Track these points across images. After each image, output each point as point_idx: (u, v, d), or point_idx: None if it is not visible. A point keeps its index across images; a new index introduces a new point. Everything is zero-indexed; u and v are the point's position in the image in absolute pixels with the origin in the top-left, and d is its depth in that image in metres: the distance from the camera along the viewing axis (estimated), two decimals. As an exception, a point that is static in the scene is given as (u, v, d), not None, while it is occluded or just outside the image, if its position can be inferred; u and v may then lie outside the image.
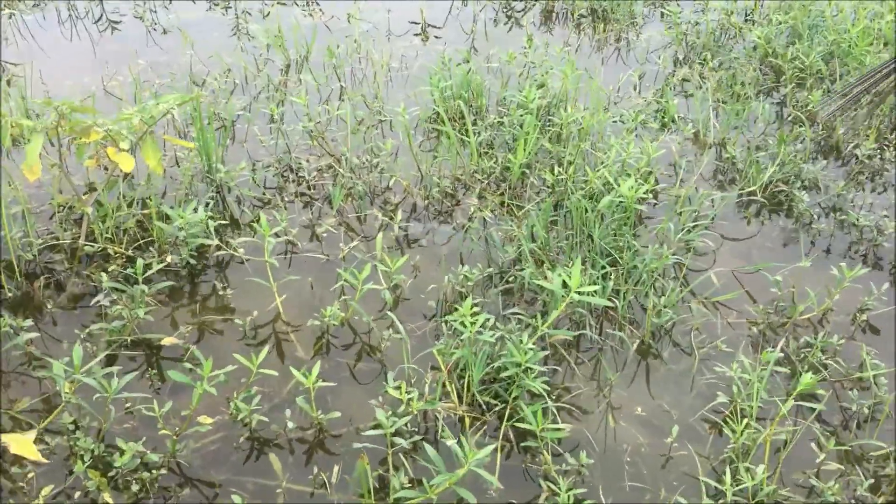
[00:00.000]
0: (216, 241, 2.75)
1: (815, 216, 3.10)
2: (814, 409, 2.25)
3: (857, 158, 3.44)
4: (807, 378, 2.09)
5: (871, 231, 3.01)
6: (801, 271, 2.81)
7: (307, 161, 3.28)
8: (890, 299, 2.71)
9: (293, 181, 3.19)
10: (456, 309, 2.60)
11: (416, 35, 4.44)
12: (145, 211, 2.89)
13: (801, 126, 3.59)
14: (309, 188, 3.15)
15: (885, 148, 3.46)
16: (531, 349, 2.26)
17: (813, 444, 2.20)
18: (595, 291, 2.46)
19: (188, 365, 2.35)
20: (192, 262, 2.74)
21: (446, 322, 2.51)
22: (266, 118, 3.56)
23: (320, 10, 4.62)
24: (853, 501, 2.08)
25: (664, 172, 3.32)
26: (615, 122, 3.52)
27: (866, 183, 3.31)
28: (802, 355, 2.47)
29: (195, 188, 3.09)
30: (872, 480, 2.11)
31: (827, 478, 2.12)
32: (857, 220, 3.01)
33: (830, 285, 2.69)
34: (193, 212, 2.68)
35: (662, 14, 4.75)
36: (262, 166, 3.25)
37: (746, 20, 4.61)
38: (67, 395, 2.11)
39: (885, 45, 3.97)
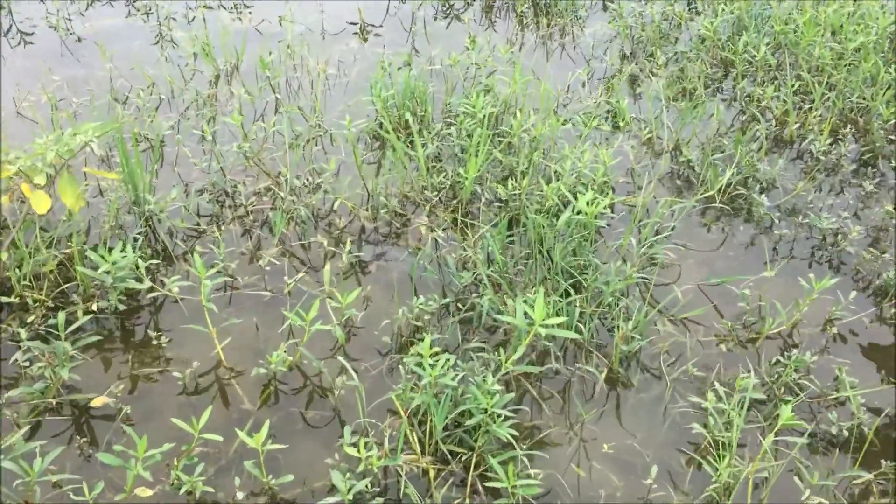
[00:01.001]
0: (148, 284, 2.53)
1: (776, 220, 3.00)
2: (796, 444, 2.15)
3: (812, 155, 3.36)
4: (787, 413, 1.99)
5: (834, 235, 2.94)
6: (767, 281, 2.72)
7: (244, 184, 3.05)
8: (858, 308, 2.63)
9: (230, 207, 2.97)
10: (412, 343, 2.45)
11: (354, 34, 4.21)
12: (67, 251, 2.64)
13: (755, 123, 3.50)
14: (247, 213, 2.94)
15: (840, 143, 3.39)
16: (496, 391, 2.11)
17: (796, 478, 2.10)
18: (560, 323, 2.32)
19: (118, 447, 2.13)
20: (122, 307, 2.51)
21: (403, 363, 2.34)
22: (197, 138, 3.32)
23: (249, 12, 4.36)
24: (840, 537, 2.00)
25: (620, 180, 3.19)
26: (567, 125, 3.37)
27: (824, 182, 3.24)
28: (776, 376, 2.37)
29: (122, 221, 2.84)
30: (858, 513, 2.03)
31: (812, 513, 2.03)
32: (820, 223, 2.92)
33: (798, 296, 2.60)
34: (121, 252, 2.45)
35: (606, 6, 4.61)
36: (195, 192, 3.01)
37: (690, 9, 4.51)
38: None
39: (833, 33, 3.90)
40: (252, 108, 3.53)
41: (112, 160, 3.16)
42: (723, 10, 4.11)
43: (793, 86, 3.56)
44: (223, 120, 3.32)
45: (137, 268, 2.53)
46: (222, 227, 2.87)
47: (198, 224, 2.87)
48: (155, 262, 2.68)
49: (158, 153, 3.17)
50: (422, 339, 2.30)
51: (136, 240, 2.71)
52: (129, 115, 3.39)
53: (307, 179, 3.09)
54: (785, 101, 3.52)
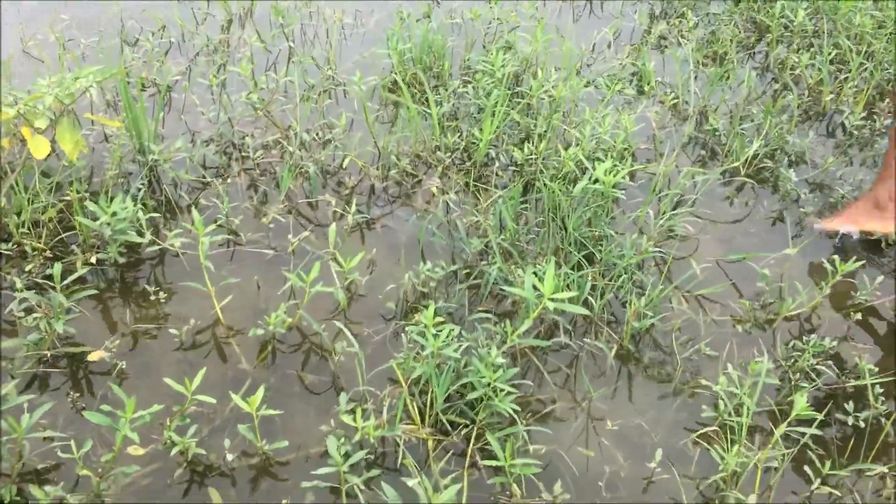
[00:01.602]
0: (148, 237, 2.46)
1: (803, 195, 2.88)
2: (808, 433, 2.06)
3: (846, 129, 3.22)
4: (802, 404, 1.90)
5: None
6: (789, 259, 2.61)
7: (252, 136, 2.96)
8: (883, 293, 2.52)
9: (236, 159, 2.88)
10: (417, 309, 2.37)
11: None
12: (67, 198, 2.57)
13: (787, 92, 3.35)
14: (254, 167, 2.85)
15: (876, 117, 3.24)
16: (500, 364, 2.03)
17: (807, 468, 2.03)
18: (570, 298, 2.23)
19: (106, 406, 2.07)
20: (122, 260, 2.45)
21: (405, 330, 2.27)
22: (205, 86, 3.21)
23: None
24: (849, 532, 1.93)
25: (642, 146, 3.07)
26: (589, 87, 3.24)
27: (855, 157, 3.10)
28: (793, 360, 2.28)
29: (126, 170, 2.76)
30: (870, 508, 1.95)
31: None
32: (847, 199, 2.80)
33: (821, 276, 2.50)
34: (122, 204, 2.37)
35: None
36: (202, 142, 2.92)
37: (726, -31, 4.31)
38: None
39: (875, 0, 3.71)
40: (264, 57, 3.42)
41: (119, 105, 3.07)
42: (760, -30, 3.92)
43: (829, 54, 3.40)
44: (232, 69, 3.20)
45: (138, 220, 2.46)
46: (228, 180, 2.79)
47: (203, 176, 2.79)
48: (157, 214, 2.61)
49: (165, 100, 3.08)
50: (427, 306, 2.23)
51: (139, 190, 2.64)
52: (137, 58, 3.29)
53: (317, 134, 3.00)
54: (820, 70, 3.36)
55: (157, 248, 2.49)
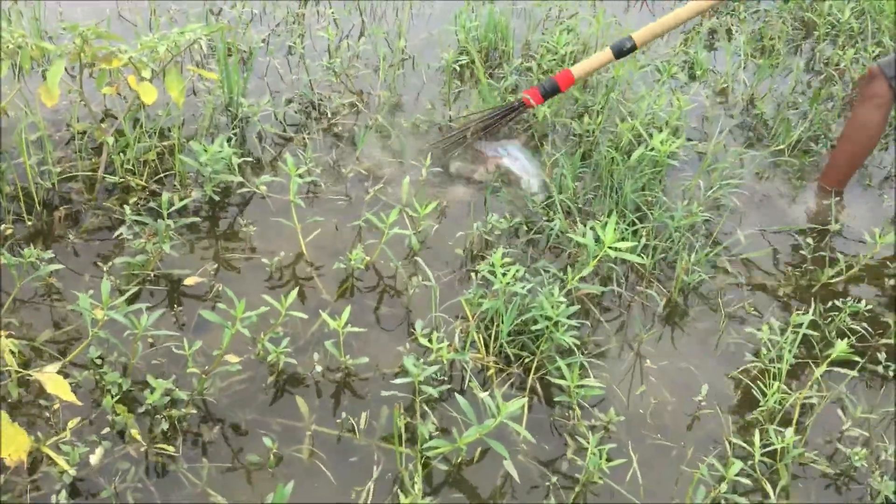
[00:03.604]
0: (240, 178, 2.69)
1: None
2: (846, 376, 2.25)
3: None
4: (842, 346, 2.09)
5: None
6: (831, 234, 2.79)
7: (329, 98, 3.19)
8: (917, 266, 2.70)
9: (315, 118, 3.12)
10: (483, 257, 2.58)
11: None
12: (167, 142, 2.82)
13: (832, 83, 3.53)
14: (332, 126, 3.08)
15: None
16: (561, 302, 2.24)
17: (839, 411, 2.21)
18: (629, 248, 2.43)
19: (219, 305, 2.31)
20: (216, 198, 2.68)
21: (475, 272, 2.48)
22: (286, 51, 3.46)
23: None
24: (878, 465, 2.10)
25: (693, 125, 3.26)
26: (644, 70, 3.43)
27: (891, 144, 3.27)
28: (830, 319, 2.47)
29: (216, 121, 3.01)
30: (897, 446, 2.13)
31: (853, 443, 2.14)
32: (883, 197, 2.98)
33: (860, 250, 2.68)
34: (220, 147, 2.61)
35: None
36: (285, 101, 3.16)
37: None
38: (94, 330, 2.07)
39: (920, 4, 3.88)
40: (338, 30, 3.66)
41: (207, 65, 3.32)
42: (810, -29, 4.10)
43: (873, 51, 3.57)
44: (316, 34, 3.44)
45: (231, 164, 2.69)
46: (309, 136, 3.02)
47: (285, 131, 3.03)
48: (247, 160, 2.84)
49: (251, 63, 3.32)
50: (493, 254, 2.43)
51: (228, 140, 2.87)
52: (224, 22, 3.53)
53: (392, 98, 3.22)
54: (864, 66, 3.53)
55: (246, 190, 2.73)
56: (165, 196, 2.43)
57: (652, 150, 2.76)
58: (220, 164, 2.62)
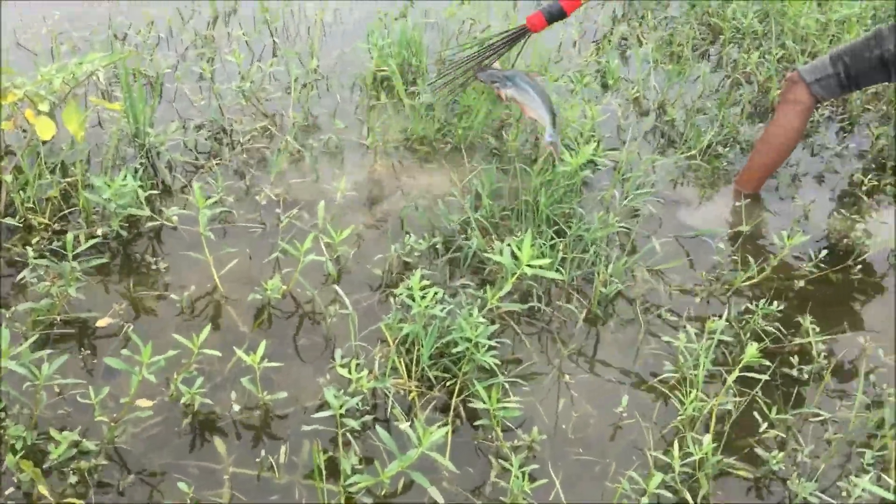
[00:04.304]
0: (148, 212, 2.62)
1: (754, 180, 3.13)
2: (759, 380, 2.29)
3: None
4: (752, 350, 2.13)
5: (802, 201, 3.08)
6: (741, 236, 2.85)
7: (241, 122, 3.13)
8: (826, 265, 2.77)
9: (227, 144, 3.05)
10: (402, 279, 2.56)
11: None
12: (70, 179, 2.72)
13: (739, 87, 3.61)
14: (244, 151, 3.02)
15: (817, 108, 3.51)
16: (481, 323, 2.23)
17: (756, 414, 2.25)
18: (546, 265, 2.43)
19: (125, 352, 2.23)
20: (123, 233, 2.60)
21: (394, 295, 2.45)
22: (195, 76, 3.38)
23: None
24: (796, 467, 2.14)
25: (607, 135, 3.30)
26: (558, 82, 3.46)
27: (799, 145, 3.36)
28: (744, 322, 2.52)
29: (123, 152, 2.92)
30: (813, 446, 2.18)
31: (770, 447, 2.18)
32: (794, 197, 3.07)
33: (771, 252, 2.74)
34: (123, 181, 2.53)
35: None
36: (194, 127, 3.09)
37: (683, -24, 4.59)
38: (-6, 383, 1.98)
39: (819, 4, 4.01)
40: (249, 52, 3.60)
41: (112, 94, 3.22)
42: (714, -23, 4.20)
43: (777, 54, 3.67)
44: (225, 58, 3.38)
45: (138, 196, 2.62)
46: (220, 163, 2.95)
47: (196, 158, 2.96)
48: (154, 192, 2.76)
49: (158, 89, 3.24)
50: (411, 276, 2.41)
51: (136, 171, 2.79)
52: (129, 49, 3.44)
53: (304, 121, 3.18)
54: (769, 68, 3.63)
55: (155, 223, 2.65)
56: (70, 235, 2.34)
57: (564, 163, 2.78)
58: (127, 199, 2.54)
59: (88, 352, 2.26)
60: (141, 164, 2.84)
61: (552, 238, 2.66)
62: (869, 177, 3.10)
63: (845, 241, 2.89)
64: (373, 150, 3.08)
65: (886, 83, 3.06)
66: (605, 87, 3.61)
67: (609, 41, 3.92)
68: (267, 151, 3.02)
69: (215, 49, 3.57)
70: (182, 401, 2.10)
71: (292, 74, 3.28)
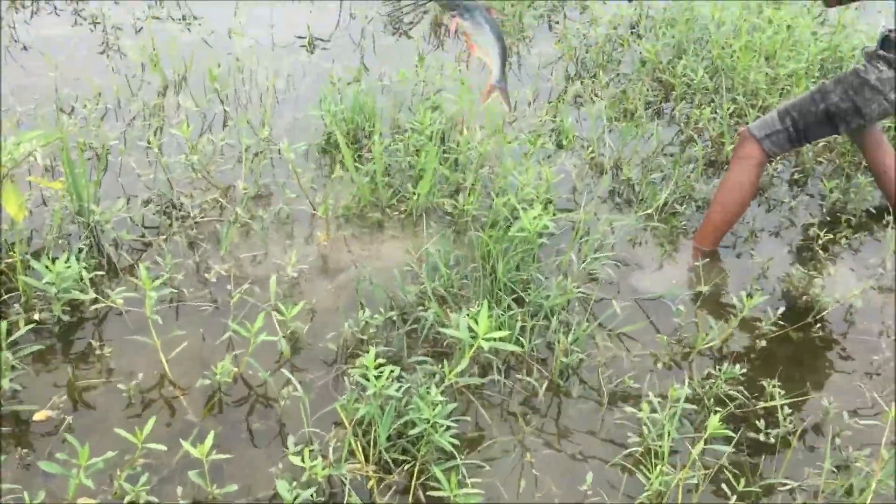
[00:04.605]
0: (92, 295, 2.52)
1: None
2: (724, 452, 2.24)
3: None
4: (714, 421, 2.08)
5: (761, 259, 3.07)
6: (701, 297, 2.83)
7: (191, 196, 3.06)
8: (786, 322, 2.75)
9: (176, 219, 2.97)
10: (358, 355, 2.48)
11: (303, 48, 4.26)
12: (8, 260, 2.62)
13: (692, 143, 3.63)
14: (194, 226, 2.94)
15: (770, 162, 3.53)
16: (440, 402, 2.16)
17: (724, 485, 2.20)
18: (503, 337, 2.38)
19: (62, 455, 2.12)
20: (65, 318, 2.50)
21: (348, 374, 2.37)
22: (143, 148, 3.31)
23: (199, 24, 4.37)
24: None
25: (564, 196, 3.28)
26: (514, 143, 3.45)
27: (755, 201, 3.38)
28: (707, 387, 2.47)
29: (66, 231, 2.83)
30: (782, 518, 2.13)
31: (739, 519, 2.13)
32: (752, 253, 3.07)
33: (730, 312, 2.72)
34: (66, 263, 2.44)
35: (550, 26, 4.74)
36: (142, 203, 3.01)
37: (633, 32, 4.65)
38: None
39: (767, 59, 4.07)
40: (200, 121, 3.54)
41: (56, 170, 3.14)
42: (664, 34, 4.26)
43: (728, 108, 3.71)
44: (171, 131, 3.31)
45: (81, 279, 2.52)
46: (168, 240, 2.87)
47: (143, 235, 2.87)
48: (99, 273, 2.67)
49: (104, 163, 3.16)
50: (367, 352, 2.34)
51: (80, 251, 2.70)
52: (74, 124, 3.36)
53: (256, 191, 3.12)
54: (721, 123, 3.66)
55: (100, 306, 2.55)
56: (3, 325, 2.23)
57: (521, 229, 2.75)
58: (69, 282, 2.44)
59: (25, 450, 2.14)
60: (85, 243, 2.75)
61: (510, 309, 2.61)
62: (824, 231, 3.10)
63: (804, 297, 2.88)
64: (325, 220, 3.02)
65: (836, 136, 3.09)
66: (560, 146, 3.61)
67: (563, 100, 3.93)
68: (218, 225, 2.95)
69: (164, 119, 3.50)
70: (126, 499, 1.99)
71: (243, 143, 3.22)
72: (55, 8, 4.40)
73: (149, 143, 3.15)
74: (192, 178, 3.16)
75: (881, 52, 2.74)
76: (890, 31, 2.74)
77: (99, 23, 4.23)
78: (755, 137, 2.88)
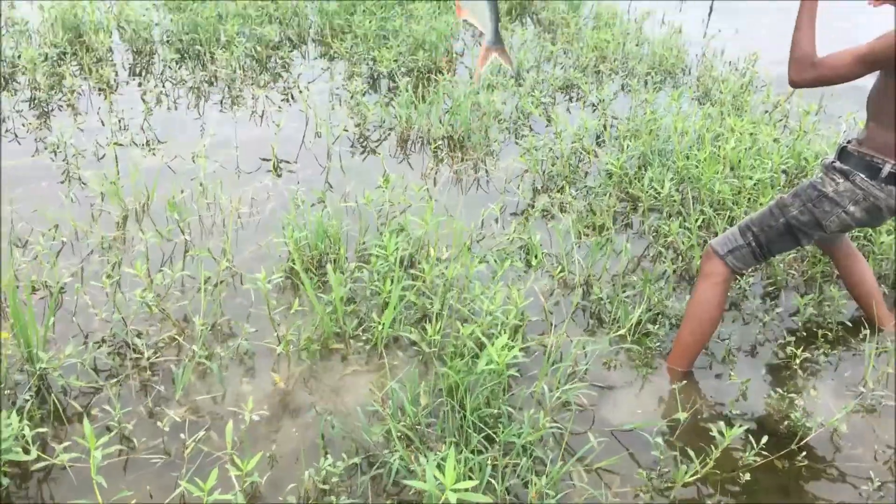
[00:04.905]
0: (35, 454, 2.36)
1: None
2: None
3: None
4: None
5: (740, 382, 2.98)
6: (680, 425, 2.72)
7: (147, 334, 2.94)
8: (769, 451, 2.64)
9: (131, 360, 2.85)
10: (321, 508, 2.33)
11: (268, 171, 4.23)
12: (-53, 418, 2.47)
13: (662, 258, 3.59)
14: (149, 367, 2.82)
15: (741, 276, 3.49)
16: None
17: None
18: (475, 484, 2.24)
19: None
20: (5, 481, 2.33)
21: (308, 534, 2.22)
22: (100, 281, 3.21)
23: (162, 150, 4.34)
24: None
25: (534, 318, 3.20)
26: (482, 265, 3.37)
27: (727, 315, 3.31)
28: (692, 528, 2.34)
29: (11, 380, 2.68)
30: None
31: None
32: (730, 373, 2.98)
33: (710, 441, 2.60)
34: (7, 421, 2.29)
35: (517, 138, 4.76)
36: (93, 345, 2.88)
37: (598, 142, 4.68)
38: None
39: (732, 168, 4.09)
40: (160, 251, 3.46)
41: (5, 312, 3.01)
42: (627, 146, 4.28)
43: (696, 220, 3.69)
44: (125, 270, 3.21)
45: (24, 436, 2.37)
46: (121, 384, 2.74)
47: (95, 381, 2.74)
48: (44, 429, 2.51)
49: (57, 301, 3.05)
50: (330, 503, 2.20)
51: (26, 401, 2.55)
52: (27, 261, 3.26)
53: (214, 328, 3.01)
54: (689, 237, 3.63)
55: (45, 464, 2.39)
56: (-66, 497, 2.07)
57: (490, 362, 2.64)
58: (9, 443, 2.29)
59: None
60: (31, 394, 2.61)
61: (480, 451, 2.48)
62: (801, 349, 3.02)
63: (786, 422, 2.77)
64: (286, 356, 2.90)
65: (799, 248, 3.05)
66: (529, 264, 3.54)
67: (530, 214, 3.90)
68: (173, 366, 2.82)
69: (122, 252, 3.41)
70: None
71: (202, 275, 3.13)
72: (16, 136, 4.36)
73: (105, 280, 3.04)
74: (148, 314, 3.04)
75: (837, 164, 2.72)
76: (848, 142, 2.73)
77: (60, 151, 4.18)
78: (718, 254, 2.84)
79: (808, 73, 2.55)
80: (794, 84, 2.60)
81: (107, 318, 3.00)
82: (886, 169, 2.59)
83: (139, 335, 2.93)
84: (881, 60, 2.46)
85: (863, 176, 2.63)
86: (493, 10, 2.34)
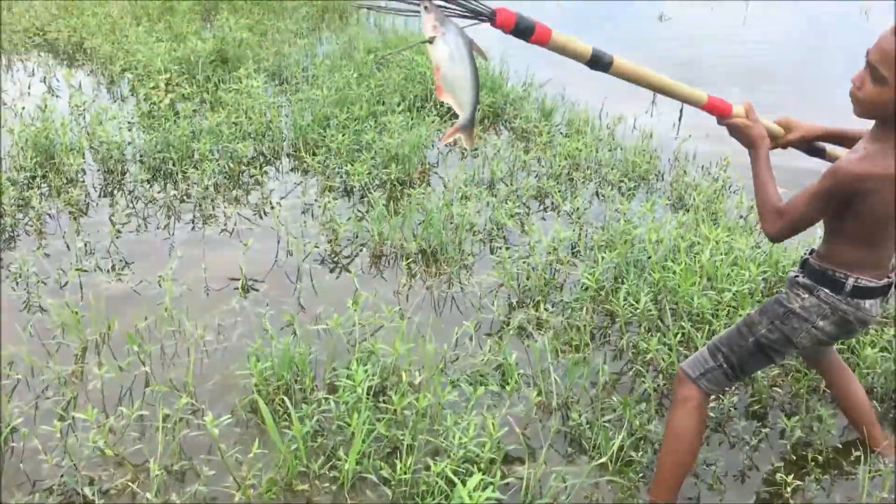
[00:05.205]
0: None
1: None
2: None
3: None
4: None
5: None
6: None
7: (100, 479, 2.77)
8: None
9: (80, 511, 2.67)
10: None
11: (236, 290, 4.12)
12: None
13: (642, 377, 3.47)
14: (100, 519, 2.64)
15: (724, 395, 3.37)
16: None
17: None
18: None
19: None
20: None
21: None
22: (52, 420, 3.04)
23: (129, 272, 4.24)
24: None
25: (511, 446, 3.04)
26: (454, 391, 3.24)
27: (712, 437, 3.17)
28: None
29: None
30: None
31: None
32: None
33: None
34: None
35: (492, 250, 4.69)
36: (43, 492, 2.70)
37: (573, 252, 4.62)
38: None
39: (709, 279, 4.02)
40: (119, 385, 3.31)
41: (-51, 460, 2.84)
42: (602, 258, 4.21)
43: (676, 335, 3.59)
44: (75, 415, 3.04)
45: None
46: (68, 539, 2.55)
47: (40, 538, 2.55)
48: None
49: (6, 445, 2.88)
50: None
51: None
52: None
53: (173, 466, 2.84)
54: (669, 353, 3.52)
55: None
56: None
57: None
58: None
59: None
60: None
61: None
62: (791, 475, 2.88)
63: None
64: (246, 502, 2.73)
65: (773, 365, 2.94)
66: (503, 386, 3.41)
67: (504, 333, 3.79)
68: (126, 516, 2.64)
69: (77, 389, 3.26)
70: None
71: (160, 414, 2.98)
72: (-23, 266, 4.26)
73: (55, 425, 2.88)
74: (102, 458, 2.87)
75: (800, 279, 2.62)
76: (809, 253, 2.64)
77: (21, 280, 4.07)
78: (690, 377, 2.70)
79: (778, 222, 2.48)
80: (772, 238, 2.51)
81: (57, 463, 2.83)
82: (850, 283, 2.49)
83: (91, 482, 2.76)
84: (836, 195, 2.39)
85: (827, 291, 2.53)
86: (475, 90, 2.24)
